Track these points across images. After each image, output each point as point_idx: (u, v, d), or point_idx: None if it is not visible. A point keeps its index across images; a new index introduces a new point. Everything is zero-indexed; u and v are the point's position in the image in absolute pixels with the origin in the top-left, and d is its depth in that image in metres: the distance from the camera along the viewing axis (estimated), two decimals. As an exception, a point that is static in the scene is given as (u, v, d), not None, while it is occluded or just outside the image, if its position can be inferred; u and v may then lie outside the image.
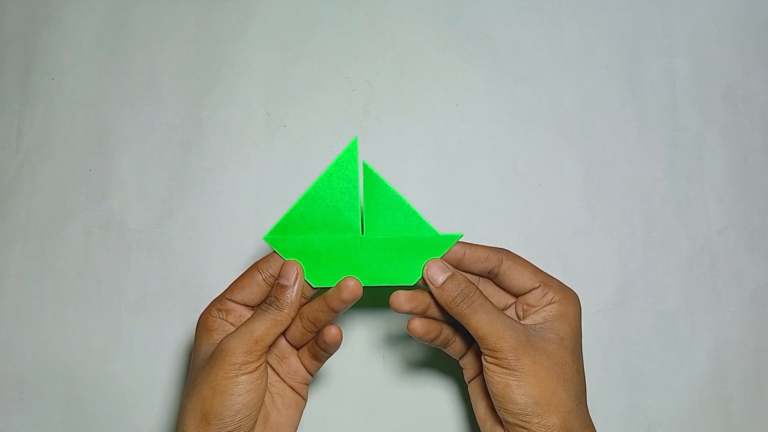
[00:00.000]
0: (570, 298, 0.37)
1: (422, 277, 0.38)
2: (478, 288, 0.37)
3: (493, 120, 0.51)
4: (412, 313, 0.38)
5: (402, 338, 0.48)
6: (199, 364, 0.36)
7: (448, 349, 0.41)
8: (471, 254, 0.38)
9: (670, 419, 0.48)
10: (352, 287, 0.37)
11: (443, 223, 0.49)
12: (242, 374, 0.35)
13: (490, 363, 0.35)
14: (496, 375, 0.35)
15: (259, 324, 0.36)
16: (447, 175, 0.50)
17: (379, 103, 0.51)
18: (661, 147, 0.51)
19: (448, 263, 0.38)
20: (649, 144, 0.51)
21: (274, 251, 0.38)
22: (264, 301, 0.37)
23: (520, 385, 0.34)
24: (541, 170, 0.51)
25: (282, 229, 0.38)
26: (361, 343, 0.48)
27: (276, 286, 0.37)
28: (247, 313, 0.38)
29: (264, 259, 0.38)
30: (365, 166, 0.38)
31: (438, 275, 0.37)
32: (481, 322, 0.35)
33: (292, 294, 0.37)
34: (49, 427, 0.48)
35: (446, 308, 0.37)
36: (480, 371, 0.40)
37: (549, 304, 0.37)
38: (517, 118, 0.51)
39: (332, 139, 0.51)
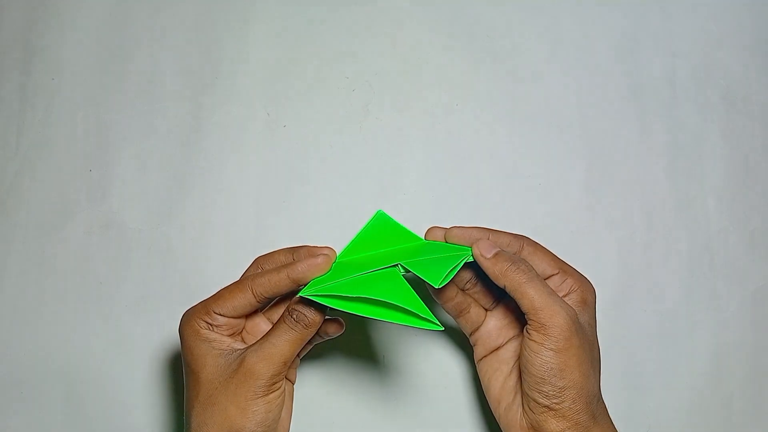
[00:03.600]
0: (588, 286, 0.38)
1: (470, 255, 0.37)
2: (530, 265, 0.36)
3: (493, 120, 0.51)
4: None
5: (402, 338, 0.48)
6: (210, 378, 0.35)
7: (461, 320, 0.40)
8: (494, 239, 0.38)
9: (670, 419, 0.48)
10: (336, 328, 0.39)
11: (443, 224, 0.49)
12: (270, 393, 0.35)
13: (535, 340, 0.34)
14: (539, 354, 0.34)
15: (286, 344, 0.35)
16: (447, 175, 0.50)
17: (379, 103, 0.51)
18: (661, 147, 0.51)
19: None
20: (649, 144, 0.51)
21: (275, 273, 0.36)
22: (289, 315, 0.35)
23: (563, 367, 0.34)
24: (541, 170, 0.51)
25: (319, 290, 0.35)
26: (361, 343, 0.48)
27: (297, 301, 0.36)
28: (236, 323, 0.37)
29: (257, 281, 0.36)
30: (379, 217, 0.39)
31: (489, 249, 0.37)
32: (537, 293, 0.34)
33: (320, 314, 0.36)
34: (49, 427, 0.48)
35: (496, 278, 0.36)
36: (494, 348, 0.40)
37: (570, 292, 0.37)
38: (517, 118, 0.51)
39: (332, 139, 0.51)
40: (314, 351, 0.48)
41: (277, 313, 0.40)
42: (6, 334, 0.49)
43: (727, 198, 0.51)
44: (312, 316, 0.35)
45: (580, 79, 0.52)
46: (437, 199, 0.50)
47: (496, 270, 0.36)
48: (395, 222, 0.40)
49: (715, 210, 0.51)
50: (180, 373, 0.48)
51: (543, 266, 0.38)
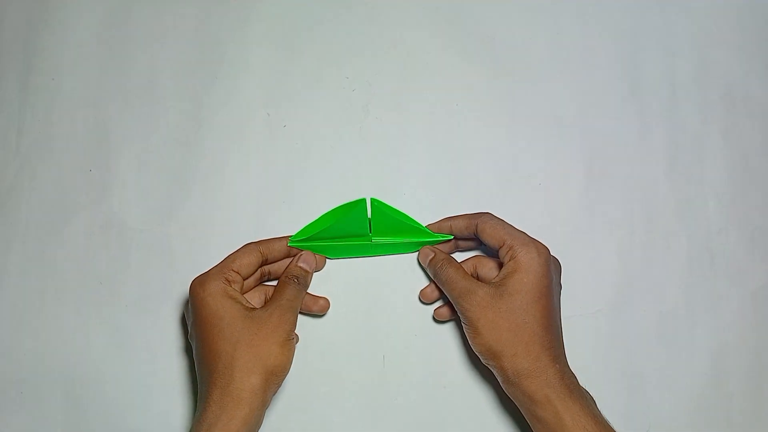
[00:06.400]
0: (529, 251, 0.42)
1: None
2: (450, 263, 0.45)
3: (493, 120, 0.51)
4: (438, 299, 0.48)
5: (402, 338, 0.48)
6: (245, 328, 0.41)
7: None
8: (455, 224, 0.47)
9: (670, 419, 0.48)
10: (322, 305, 0.48)
11: (443, 223, 0.49)
12: (293, 337, 0.43)
13: (461, 320, 0.44)
14: (464, 328, 0.44)
15: (296, 300, 0.44)
16: (447, 175, 0.50)
17: (379, 103, 0.51)
18: (661, 147, 0.51)
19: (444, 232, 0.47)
20: (649, 144, 0.51)
21: (277, 239, 0.46)
22: (291, 279, 0.44)
23: (474, 337, 0.43)
24: (541, 170, 0.51)
25: (302, 235, 0.46)
26: (361, 343, 0.48)
27: (297, 268, 0.46)
28: (241, 284, 0.44)
29: (263, 244, 0.45)
30: (374, 204, 0.44)
31: (424, 258, 0.47)
32: (448, 291, 0.45)
33: (311, 276, 0.47)
34: (49, 427, 0.48)
35: (432, 276, 0.47)
36: None
37: (510, 260, 0.43)
38: (517, 118, 0.51)
39: (332, 139, 0.51)
40: (314, 350, 0.48)
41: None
42: (6, 334, 0.49)
43: (727, 198, 0.51)
44: (308, 279, 0.46)
45: (580, 78, 0.52)
46: (437, 199, 0.50)
47: (430, 273, 0.47)
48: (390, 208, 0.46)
49: (715, 210, 0.51)
50: (180, 373, 0.48)
51: (489, 241, 0.44)
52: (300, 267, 0.46)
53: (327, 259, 0.49)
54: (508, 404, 0.47)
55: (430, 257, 0.47)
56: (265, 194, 0.50)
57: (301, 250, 0.47)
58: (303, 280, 0.45)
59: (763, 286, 0.50)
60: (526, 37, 0.53)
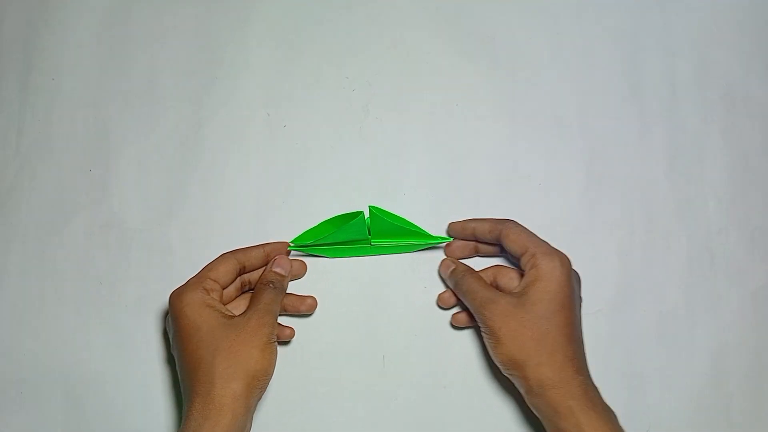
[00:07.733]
0: (552, 260, 0.42)
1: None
2: (471, 274, 0.45)
3: (493, 120, 0.51)
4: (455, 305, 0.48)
5: (402, 338, 0.48)
6: (223, 335, 0.41)
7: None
8: (478, 227, 0.47)
9: (670, 419, 0.48)
10: (309, 304, 0.47)
11: (443, 224, 0.49)
12: (274, 340, 0.42)
13: (481, 330, 0.44)
14: (484, 338, 0.43)
15: (274, 304, 0.44)
16: (447, 175, 0.50)
17: (379, 103, 0.51)
18: (661, 147, 0.51)
19: (465, 235, 0.47)
20: (649, 144, 0.51)
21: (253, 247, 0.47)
22: (266, 284, 0.44)
23: (496, 347, 0.42)
24: (541, 170, 0.51)
25: (302, 240, 0.47)
26: (361, 343, 0.48)
27: (272, 273, 0.46)
28: (220, 293, 0.44)
29: (239, 252, 0.46)
30: (372, 212, 0.44)
31: (445, 270, 0.47)
32: (469, 301, 0.44)
33: (288, 280, 0.47)
34: (49, 427, 0.48)
35: (453, 287, 0.47)
36: None
37: (532, 268, 0.42)
38: (517, 118, 0.51)
39: (332, 139, 0.51)
40: (314, 349, 0.48)
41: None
42: (6, 334, 0.49)
43: (727, 198, 0.51)
44: (284, 283, 0.46)
45: (580, 78, 0.52)
46: (437, 199, 0.50)
47: (450, 284, 0.47)
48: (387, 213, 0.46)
49: (715, 210, 0.51)
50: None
51: (513, 248, 0.44)
52: (275, 272, 0.46)
53: (327, 259, 0.49)
54: (508, 404, 0.47)
55: (451, 269, 0.47)
56: (265, 194, 0.50)
57: (277, 257, 0.47)
58: (279, 284, 0.45)
59: (763, 286, 0.50)
60: (526, 37, 0.53)
